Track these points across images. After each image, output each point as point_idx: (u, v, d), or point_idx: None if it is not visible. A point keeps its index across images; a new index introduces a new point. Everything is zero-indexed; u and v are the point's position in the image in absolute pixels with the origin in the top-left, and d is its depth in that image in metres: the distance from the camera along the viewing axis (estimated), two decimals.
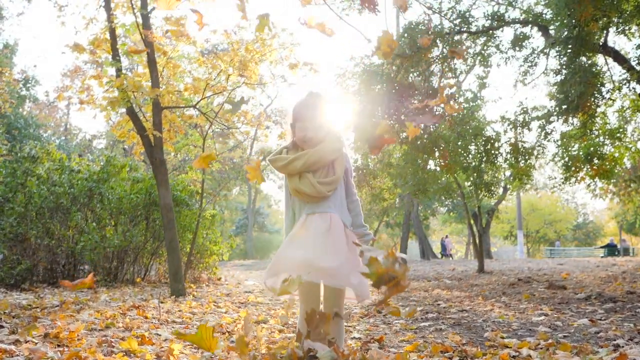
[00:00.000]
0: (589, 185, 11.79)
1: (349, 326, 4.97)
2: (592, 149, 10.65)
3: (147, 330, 4.34)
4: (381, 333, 4.56)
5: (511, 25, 11.49)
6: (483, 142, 11.81)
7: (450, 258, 33.35)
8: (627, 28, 10.35)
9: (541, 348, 3.68)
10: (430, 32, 10.58)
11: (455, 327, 5.05)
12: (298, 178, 2.88)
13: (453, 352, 3.65)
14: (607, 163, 10.71)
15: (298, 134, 2.95)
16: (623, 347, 3.70)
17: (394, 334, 4.60)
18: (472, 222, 16.95)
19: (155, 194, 9.56)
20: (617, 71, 15.64)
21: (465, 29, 11.31)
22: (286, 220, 3.05)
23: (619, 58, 10.68)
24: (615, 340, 3.96)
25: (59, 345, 3.46)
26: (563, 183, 11.59)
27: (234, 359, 3.22)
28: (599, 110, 10.73)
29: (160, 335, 4.14)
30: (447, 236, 35.05)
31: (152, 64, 8.05)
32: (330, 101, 3.06)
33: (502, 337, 4.25)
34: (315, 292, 2.90)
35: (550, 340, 3.91)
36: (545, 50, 11.19)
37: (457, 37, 11.14)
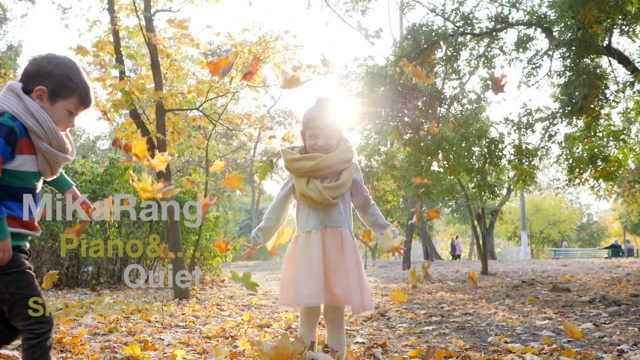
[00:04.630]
0: (593, 187, 11.76)
1: (352, 330, 4.97)
2: (596, 150, 10.61)
3: (150, 335, 4.34)
4: (384, 337, 4.56)
5: (515, 27, 11.45)
6: (487, 144, 11.78)
7: (458, 259, 33.24)
8: (631, 30, 10.31)
9: (545, 353, 3.67)
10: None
11: (458, 331, 5.04)
12: (306, 182, 2.86)
13: (457, 358, 3.64)
14: (611, 165, 10.67)
15: (308, 141, 2.93)
16: (627, 352, 3.69)
17: (397, 338, 4.60)
18: (475, 223, 16.92)
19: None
20: (621, 73, 15.62)
21: (468, 30, 11.29)
22: (272, 206, 3.04)
23: (623, 60, 10.64)
24: (619, 345, 3.94)
25: (61, 351, 3.47)
26: (567, 185, 11.55)
27: None
28: (603, 112, 10.70)
29: (163, 340, 4.14)
30: (457, 237, 34.85)
31: (155, 66, 8.05)
32: (340, 106, 3.04)
33: (506, 342, 4.24)
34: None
35: (554, 345, 3.89)
36: (549, 52, 11.15)
37: (460, 39, 11.12)
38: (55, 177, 2.41)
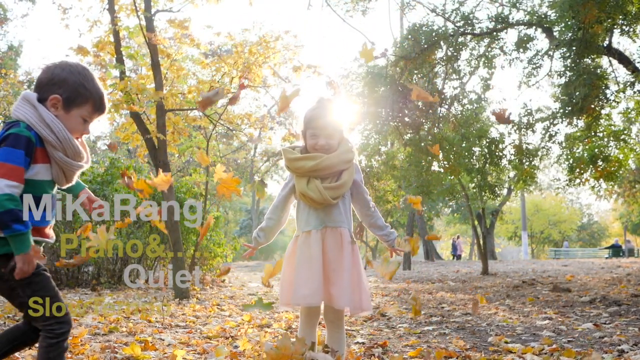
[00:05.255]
0: (593, 187, 11.75)
1: (353, 330, 4.97)
2: (596, 150, 10.60)
3: (150, 335, 4.34)
4: (385, 338, 4.55)
5: (515, 27, 11.44)
6: (487, 144, 11.77)
7: (459, 259, 33.19)
8: (631, 30, 10.30)
9: (545, 354, 3.67)
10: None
11: (459, 331, 5.03)
12: (306, 182, 2.86)
13: (457, 358, 3.64)
14: (611, 165, 10.66)
15: (309, 141, 2.93)
16: (628, 352, 3.69)
17: (397, 338, 4.59)
18: (476, 223, 16.92)
19: (159, 196, 9.56)
20: (621, 73, 15.59)
21: (469, 30, 11.28)
22: (273, 206, 3.04)
23: (624, 60, 10.63)
24: (619, 345, 3.94)
25: None
26: (567, 185, 11.55)
27: None
28: (603, 112, 10.68)
29: (163, 340, 4.14)
30: (458, 237, 34.80)
31: (155, 66, 8.05)
32: (341, 106, 3.04)
33: (506, 342, 4.24)
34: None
35: (554, 346, 3.89)
36: (549, 52, 11.14)
37: (460, 39, 11.11)
38: (70, 184, 2.42)
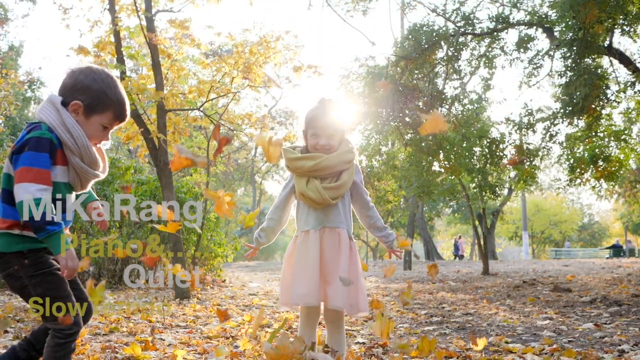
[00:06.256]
0: (594, 187, 11.74)
1: (353, 330, 4.97)
2: (597, 150, 10.60)
3: (150, 335, 4.34)
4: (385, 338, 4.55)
5: (516, 27, 11.44)
6: (488, 144, 11.77)
7: (461, 259, 33.18)
8: (632, 30, 10.29)
9: (546, 354, 3.67)
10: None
11: (459, 331, 5.03)
12: (306, 182, 2.87)
13: (457, 358, 3.64)
14: (612, 165, 10.65)
15: (310, 141, 2.94)
16: (628, 352, 3.69)
17: (398, 338, 4.59)
18: (476, 223, 16.91)
19: (159, 196, 9.57)
20: (622, 73, 15.60)
21: (469, 30, 11.28)
22: (274, 206, 3.05)
23: (624, 60, 10.62)
24: (620, 345, 3.94)
25: None
26: (568, 185, 11.54)
27: None
28: (604, 112, 10.68)
29: (164, 340, 4.14)
30: (460, 237, 34.79)
31: (156, 66, 8.05)
32: (342, 107, 3.05)
33: (507, 342, 4.24)
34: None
35: (555, 346, 3.89)
36: (550, 52, 11.14)
37: (461, 39, 11.11)
38: (84, 191, 2.44)
